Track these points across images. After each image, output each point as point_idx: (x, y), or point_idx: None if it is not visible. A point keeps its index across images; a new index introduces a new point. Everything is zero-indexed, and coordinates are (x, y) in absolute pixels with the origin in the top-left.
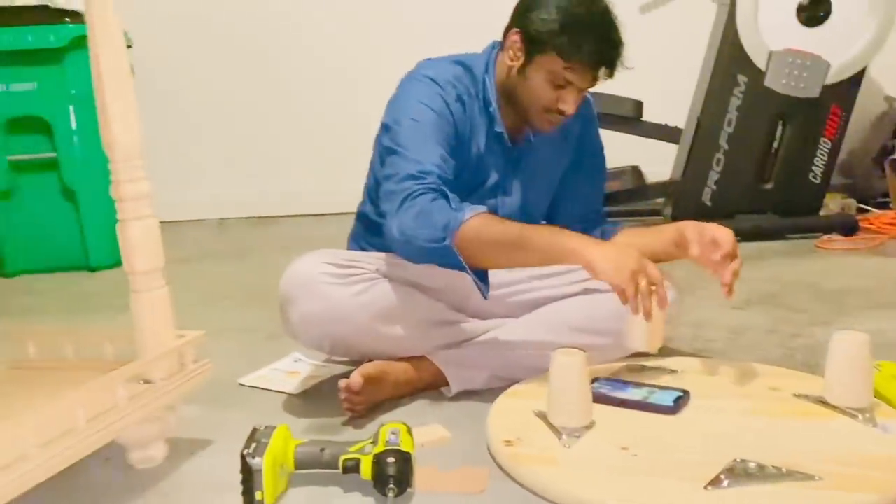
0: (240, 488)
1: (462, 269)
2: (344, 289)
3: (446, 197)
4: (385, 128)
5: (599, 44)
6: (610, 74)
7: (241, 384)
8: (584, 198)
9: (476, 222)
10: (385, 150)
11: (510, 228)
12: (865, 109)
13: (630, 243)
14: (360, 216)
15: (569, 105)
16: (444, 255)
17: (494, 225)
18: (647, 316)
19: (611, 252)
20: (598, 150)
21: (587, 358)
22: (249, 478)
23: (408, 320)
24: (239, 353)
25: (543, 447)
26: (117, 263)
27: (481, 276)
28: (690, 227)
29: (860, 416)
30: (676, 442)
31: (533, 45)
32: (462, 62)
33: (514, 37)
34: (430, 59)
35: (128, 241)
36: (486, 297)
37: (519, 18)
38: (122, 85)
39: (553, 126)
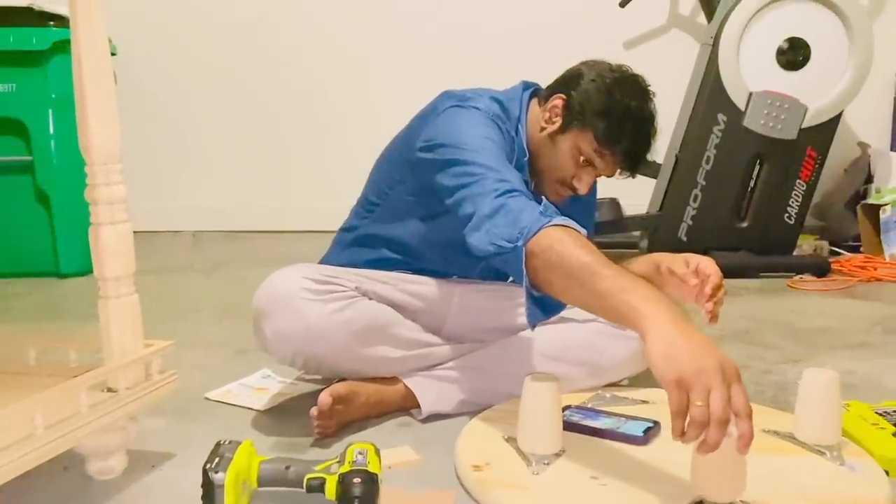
0: (200, 503)
1: (522, 282)
2: (321, 306)
3: (539, 203)
4: (442, 146)
5: (635, 142)
6: (632, 173)
7: (207, 398)
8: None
9: (556, 233)
10: (448, 163)
11: (585, 256)
12: (840, 154)
13: None
14: (354, 230)
15: (583, 185)
16: (512, 261)
17: (573, 244)
18: (707, 450)
19: (679, 336)
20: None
21: (559, 385)
22: (211, 492)
23: (383, 341)
24: (207, 366)
25: (512, 473)
26: (87, 271)
27: (538, 302)
28: (677, 261)
29: (828, 454)
30: (646, 473)
31: (572, 116)
32: (499, 100)
33: (557, 101)
34: (457, 91)
35: (100, 246)
36: (531, 328)
37: (567, 85)
38: (104, 88)
39: (560, 198)
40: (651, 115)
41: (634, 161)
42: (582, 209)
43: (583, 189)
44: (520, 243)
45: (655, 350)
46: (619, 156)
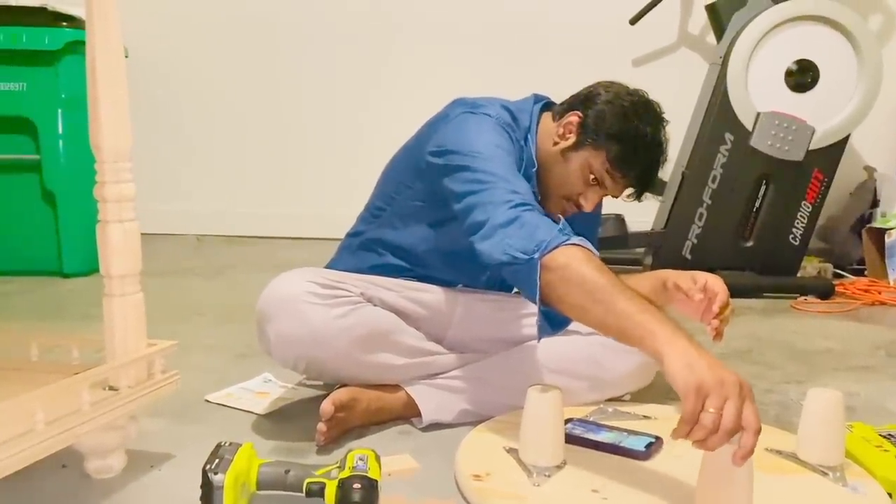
0: None
1: (534, 297)
2: (325, 311)
3: (556, 222)
4: (452, 152)
5: (647, 167)
6: (639, 196)
7: (207, 401)
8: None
9: (574, 252)
10: (458, 169)
11: (603, 277)
12: (846, 178)
13: None
14: (360, 235)
15: (589, 203)
16: (524, 272)
17: (589, 264)
18: (709, 447)
19: (697, 355)
20: None
21: (562, 397)
22: (210, 493)
23: (386, 348)
24: (207, 369)
25: (513, 483)
26: (91, 271)
27: (545, 316)
28: (684, 277)
29: (831, 475)
30: (647, 488)
31: (587, 135)
32: (509, 109)
33: (573, 118)
34: (469, 98)
35: (107, 244)
36: (538, 340)
37: (584, 103)
38: (117, 87)
39: (564, 214)
40: (663, 142)
41: (643, 185)
42: (586, 224)
43: (588, 207)
44: (536, 256)
45: (676, 363)
46: (629, 179)
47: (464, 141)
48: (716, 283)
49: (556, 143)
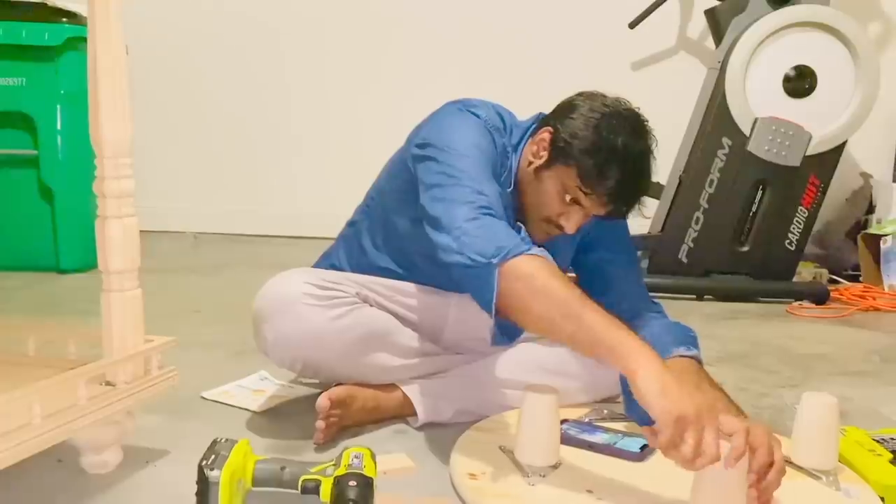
0: (194, 500)
1: (489, 303)
2: (322, 312)
3: (516, 230)
4: (430, 145)
5: (623, 181)
6: (624, 214)
7: (203, 397)
8: (620, 282)
9: (538, 262)
10: (430, 161)
11: (571, 291)
12: (842, 184)
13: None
14: (354, 225)
15: (570, 225)
16: (479, 278)
17: (556, 276)
18: (696, 468)
19: (669, 378)
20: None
21: (559, 398)
22: (206, 490)
23: (383, 349)
24: (204, 366)
25: (508, 483)
26: (87, 267)
27: (501, 325)
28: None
29: (825, 479)
30: (641, 489)
31: (557, 151)
32: (502, 117)
33: (545, 134)
34: (467, 99)
35: (106, 239)
36: (491, 344)
37: (556, 117)
38: (118, 82)
39: (546, 238)
40: (642, 152)
41: (621, 201)
42: (612, 249)
43: (569, 229)
44: (495, 261)
45: (651, 387)
46: (603, 196)
47: (443, 135)
48: (759, 436)
49: (530, 163)
